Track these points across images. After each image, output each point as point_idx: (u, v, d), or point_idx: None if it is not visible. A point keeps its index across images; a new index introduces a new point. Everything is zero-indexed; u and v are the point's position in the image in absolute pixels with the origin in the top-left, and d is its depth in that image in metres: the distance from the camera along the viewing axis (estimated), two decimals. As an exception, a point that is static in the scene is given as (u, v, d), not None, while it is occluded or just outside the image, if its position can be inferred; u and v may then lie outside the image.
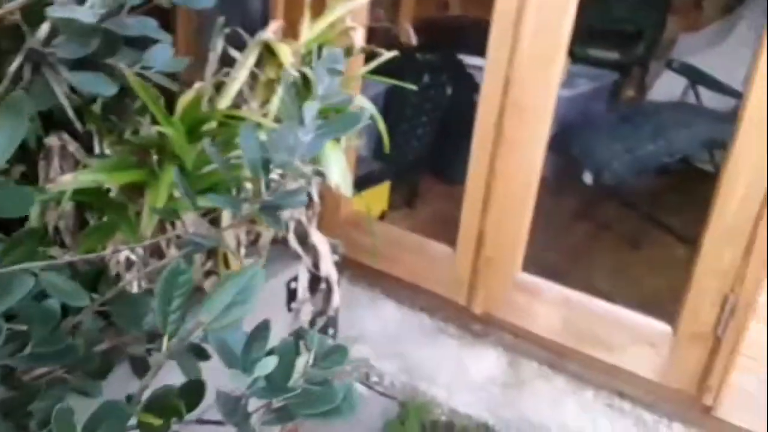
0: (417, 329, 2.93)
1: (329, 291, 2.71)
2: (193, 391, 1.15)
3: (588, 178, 3.69)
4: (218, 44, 2.08)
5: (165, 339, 1.06)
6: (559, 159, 3.53)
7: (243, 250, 2.43)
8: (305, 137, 1.11)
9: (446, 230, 2.82)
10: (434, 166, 4.03)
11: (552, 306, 2.62)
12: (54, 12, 1.09)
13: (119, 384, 1.27)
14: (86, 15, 1.09)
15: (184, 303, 1.07)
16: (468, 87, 3.77)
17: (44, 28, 1.20)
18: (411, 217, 3.75)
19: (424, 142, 3.92)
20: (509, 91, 2.44)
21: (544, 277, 2.65)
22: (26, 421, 1.09)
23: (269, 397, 1.00)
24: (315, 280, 2.69)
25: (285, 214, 2.46)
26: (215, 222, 2.11)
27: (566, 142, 3.70)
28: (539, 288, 2.64)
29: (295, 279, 2.62)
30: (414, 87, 2.60)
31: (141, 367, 1.39)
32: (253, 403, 1.02)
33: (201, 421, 1.11)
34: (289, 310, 2.69)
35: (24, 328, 1.06)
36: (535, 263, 2.67)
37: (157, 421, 1.08)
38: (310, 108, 1.11)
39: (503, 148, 2.51)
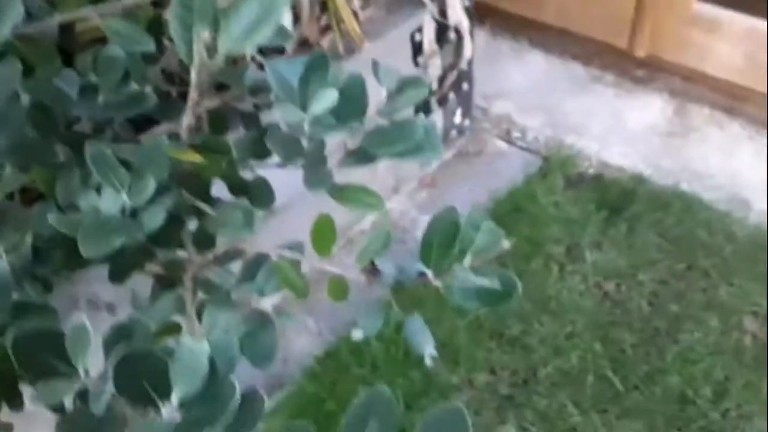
0: (567, 80, 2.70)
1: (459, 41, 2.45)
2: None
3: None
4: None
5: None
6: None
7: (357, 1, 2.14)
8: None
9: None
10: None
11: (733, 41, 2.42)
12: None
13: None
14: None
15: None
16: None
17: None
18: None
19: None
20: None
21: (726, 6, 2.40)
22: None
23: (329, 132, 0.89)
24: (443, 30, 2.41)
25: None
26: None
27: None
28: (719, 21, 2.42)
29: (420, 30, 2.33)
30: None
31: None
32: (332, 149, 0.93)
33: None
34: (416, 65, 2.41)
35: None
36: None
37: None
38: None
39: None
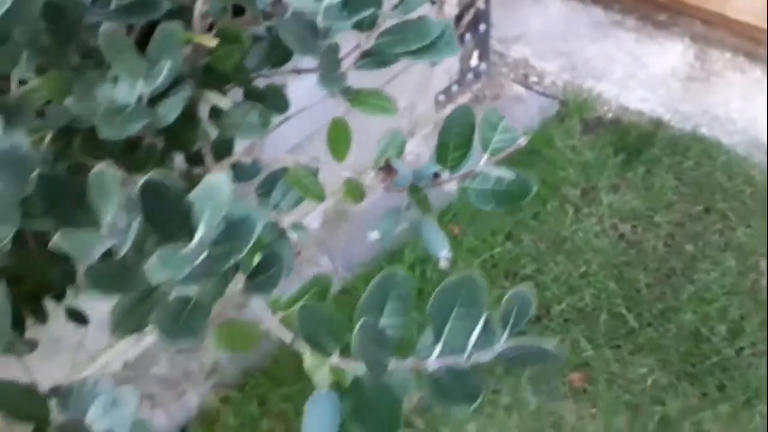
0: (587, 25, 2.67)
1: None
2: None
3: None
4: None
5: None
6: None
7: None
8: None
9: None
10: None
11: (758, -15, 2.35)
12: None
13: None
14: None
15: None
16: None
17: None
18: None
19: None
20: None
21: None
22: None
23: (342, 23, 0.85)
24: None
25: None
26: None
27: None
28: (744, -36, 2.36)
29: (437, -37, 2.29)
30: None
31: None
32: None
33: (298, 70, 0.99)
34: (432, 2, 2.38)
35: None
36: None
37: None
38: None
39: None
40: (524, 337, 0.67)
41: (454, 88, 2.49)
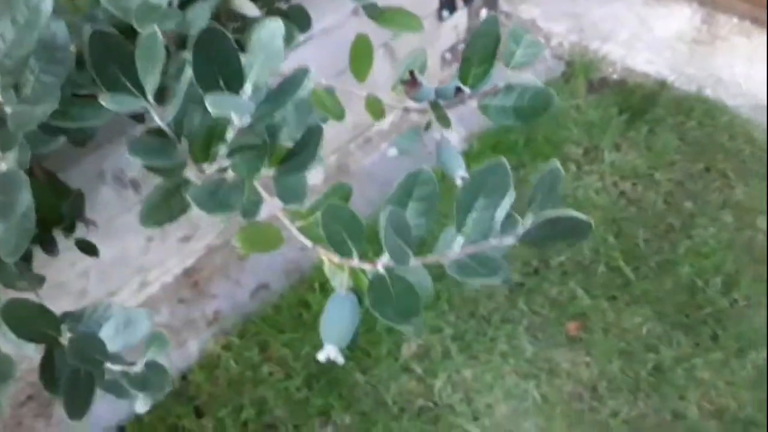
0: (595, -14, 2.68)
1: None
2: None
3: None
4: None
5: None
6: None
7: None
8: None
9: None
10: None
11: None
12: None
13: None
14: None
15: None
16: None
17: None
18: None
19: None
20: None
21: None
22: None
23: None
24: None
25: None
26: None
27: None
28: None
29: None
30: None
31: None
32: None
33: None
34: None
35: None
36: None
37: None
38: None
39: None
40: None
41: (461, 46, 2.51)
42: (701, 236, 2.02)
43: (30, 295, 1.07)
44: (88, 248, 1.39)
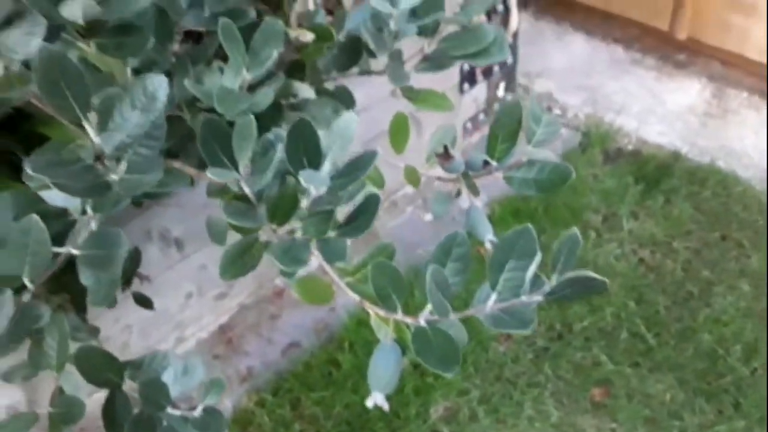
0: (608, 62, 2.80)
1: (507, 13, 2.54)
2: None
3: None
4: None
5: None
6: None
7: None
8: None
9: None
10: None
11: (774, 26, 2.48)
12: None
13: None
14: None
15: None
16: None
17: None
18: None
19: None
20: None
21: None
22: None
23: (412, 26, 0.99)
24: (491, 3, 2.50)
25: None
26: None
27: None
28: (759, 4, 2.48)
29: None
30: None
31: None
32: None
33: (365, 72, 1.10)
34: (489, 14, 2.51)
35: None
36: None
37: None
38: None
39: None
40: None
41: (481, 116, 2.61)
42: (720, 304, 2.08)
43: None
44: (144, 301, 1.44)
